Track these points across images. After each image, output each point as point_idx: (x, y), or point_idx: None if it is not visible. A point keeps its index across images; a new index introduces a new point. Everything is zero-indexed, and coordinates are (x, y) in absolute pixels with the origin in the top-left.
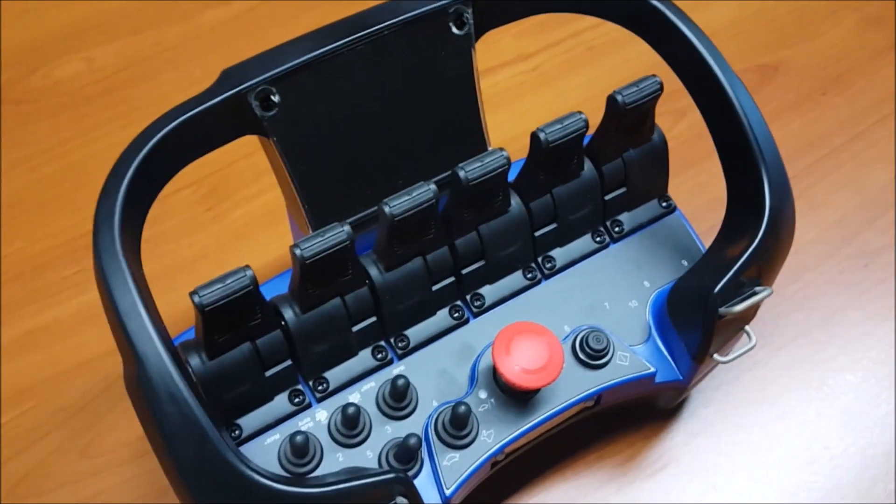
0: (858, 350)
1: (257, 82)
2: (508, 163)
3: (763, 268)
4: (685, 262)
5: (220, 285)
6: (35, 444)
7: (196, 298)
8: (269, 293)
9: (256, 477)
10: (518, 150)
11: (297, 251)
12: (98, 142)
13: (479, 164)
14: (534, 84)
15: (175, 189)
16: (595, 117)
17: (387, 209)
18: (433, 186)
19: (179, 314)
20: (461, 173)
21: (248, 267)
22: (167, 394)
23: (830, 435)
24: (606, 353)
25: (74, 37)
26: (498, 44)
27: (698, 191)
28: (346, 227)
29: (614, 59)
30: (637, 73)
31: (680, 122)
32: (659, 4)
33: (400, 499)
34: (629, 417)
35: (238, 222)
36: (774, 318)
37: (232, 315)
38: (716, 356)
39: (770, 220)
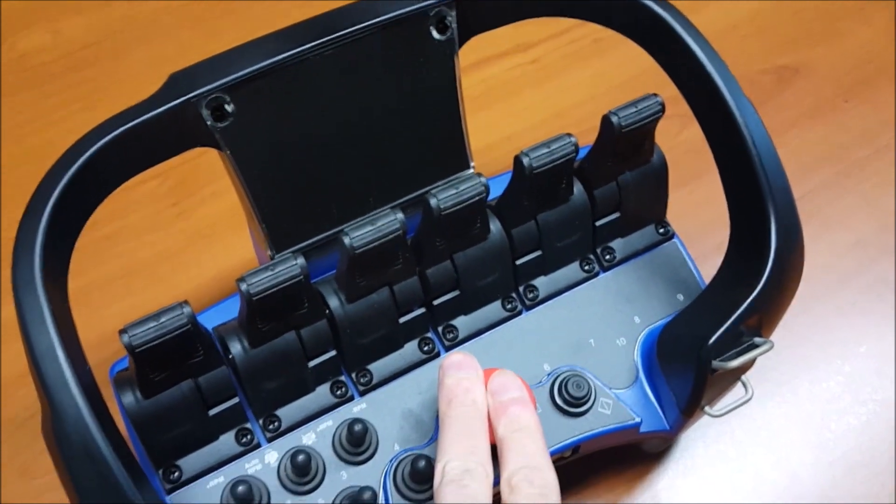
0: (864, 391)
1: (209, 90)
2: (487, 191)
3: (764, 318)
4: (681, 297)
5: (153, 324)
6: None
7: (125, 339)
8: (226, 313)
9: None
10: (511, 151)
11: (244, 286)
12: (59, 126)
13: (454, 191)
14: (533, 78)
15: (140, 181)
16: (598, 118)
17: (346, 241)
18: (399, 216)
19: None
20: (433, 202)
21: (185, 304)
22: (83, 449)
23: (828, 486)
24: (587, 401)
25: (44, 6)
26: (495, 32)
27: (704, 204)
28: (300, 261)
29: (623, 53)
30: (647, 69)
31: (687, 128)
32: (659, 9)
33: None
34: (611, 458)
35: (205, 220)
36: (776, 352)
37: (169, 353)
38: (706, 409)
39: (774, 267)
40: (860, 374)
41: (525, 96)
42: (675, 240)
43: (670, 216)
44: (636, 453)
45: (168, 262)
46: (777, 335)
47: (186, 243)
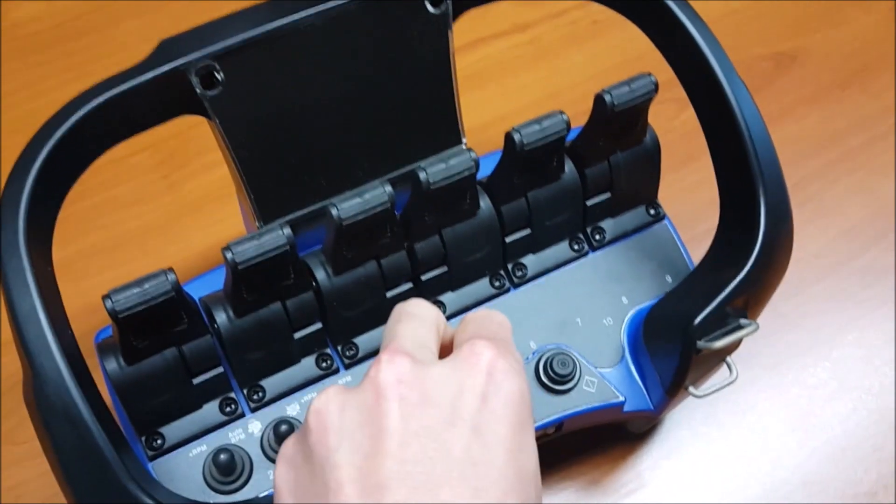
0: (852, 378)
1: (199, 57)
2: (476, 166)
3: (751, 299)
4: (669, 279)
5: (136, 290)
6: None
7: (108, 304)
8: (213, 283)
9: None
10: (505, 130)
11: (229, 255)
12: (47, 95)
13: (444, 166)
14: (530, 58)
15: (130, 152)
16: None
17: (334, 212)
18: (388, 189)
19: None
20: (422, 175)
21: (170, 270)
22: (64, 413)
23: (812, 471)
24: (572, 379)
25: None
26: (492, 10)
27: (698, 188)
28: (286, 231)
29: (620, 35)
30: (646, 52)
31: (684, 112)
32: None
33: None
34: (596, 437)
35: (194, 193)
36: (765, 335)
37: (152, 320)
38: (690, 389)
39: (763, 248)
40: (848, 361)
41: (521, 76)
42: (665, 221)
43: (664, 199)
44: (621, 433)
45: (156, 233)
46: (765, 319)
47: (175, 215)
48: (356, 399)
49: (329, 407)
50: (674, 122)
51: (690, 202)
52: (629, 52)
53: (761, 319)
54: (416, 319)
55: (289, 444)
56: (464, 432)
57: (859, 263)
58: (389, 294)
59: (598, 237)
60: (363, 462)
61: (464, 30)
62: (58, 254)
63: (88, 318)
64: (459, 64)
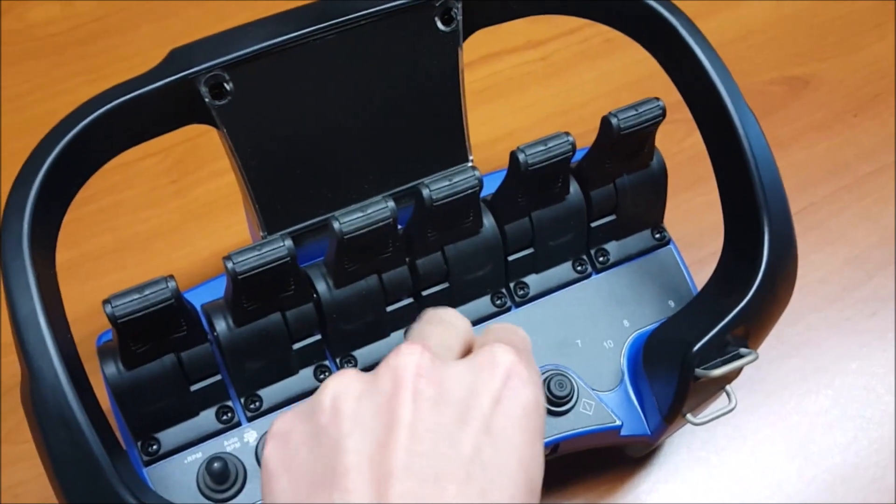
0: (853, 407)
1: (209, 67)
2: (480, 184)
3: (752, 328)
4: (672, 303)
5: (136, 297)
6: None
7: (108, 309)
8: (217, 290)
9: None
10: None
11: (230, 264)
12: (62, 97)
13: (447, 183)
14: (542, 75)
15: (139, 157)
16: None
17: (336, 225)
18: (390, 204)
19: None
20: (425, 192)
21: (170, 278)
22: (59, 417)
23: (810, 499)
24: (569, 400)
25: None
26: (506, 27)
27: (705, 210)
28: (287, 243)
29: (632, 54)
30: (657, 71)
31: (694, 133)
32: (663, 11)
33: None
34: (594, 460)
35: (202, 199)
36: (767, 361)
37: (152, 326)
38: (688, 416)
39: (764, 278)
40: (850, 389)
41: (531, 93)
42: (670, 246)
43: (670, 221)
44: (619, 456)
45: (163, 238)
46: (767, 345)
47: (182, 221)
48: (374, 387)
49: (347, 391)
50: (683, 143)
51: (697, 224)
52: (641, 71)
53: (763, 345)
54: (446, 325)
55: (286, 420)
56: (476, 432)
57: (864, 292)
58: (390, 309)
59: (601, 259)
60: (374, 450)
61: (476, 44)
62: (65, 255)
63: (93, 320)
64: (470, 78)
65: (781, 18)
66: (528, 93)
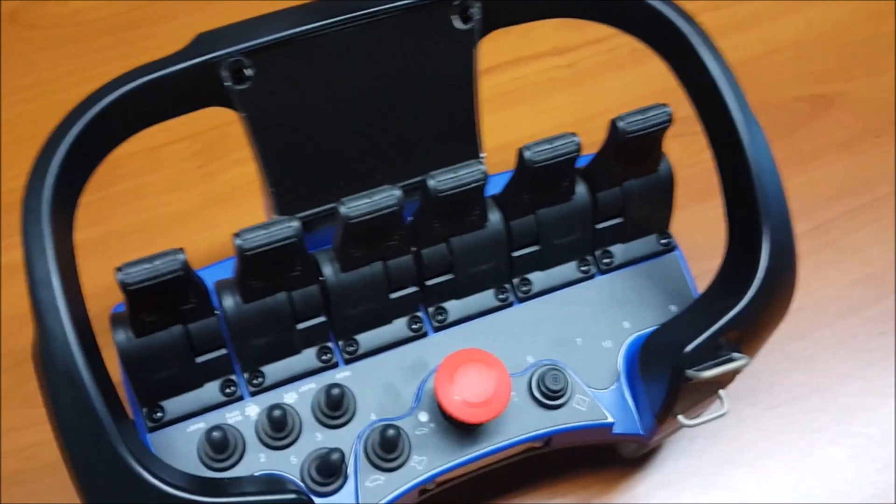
0: (854, 423)
1: (231, 52)
2: (485, 178)
3: (746, 334)
4: (673, 308)
5: (147, 265)
6: None
7: (119, 276)
8: (229, 271)
9: (147, 477)
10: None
11: (238, 241)
12: (99, 80)
13: (452, 175)
14: (566, 81)
15: (168, 141)
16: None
17: (342, 209)
18: (397, 192)
19: None
20: (430, 182)
21: (180, 250)
22: (66, 376)
23: None
24: (563, 395)
25: None
26: (533, 32)
27: (716, 223)
28: (295, 223)
29: (659, 66)
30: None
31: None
32: (679, 21)
33: None
34: (589, 458)
35: (227, 185)
36: (770, 375)
37: (161, 296)
38: (680, 418)
39: (761, 285)
40: (853, 407)
41: (555, 98)
42: (675, 252)
43: (682, 230)
44: (615, 458)
45: (186, 220)
46: (772, 359)
47: (206, 205)
48: None
49: None
50: (700, 155)
51: (707, 237)
52: (665, 84)
53: (768, 358)
54: None
55: None
56: None
57: (873, 311)
58: (393, 296)
59: (606, 261)
60: None
61: (503, 48)
62: (92, 232)
63: (114, 296)
64: (495, 81)
65: (810, 37)
66: (551, 98)
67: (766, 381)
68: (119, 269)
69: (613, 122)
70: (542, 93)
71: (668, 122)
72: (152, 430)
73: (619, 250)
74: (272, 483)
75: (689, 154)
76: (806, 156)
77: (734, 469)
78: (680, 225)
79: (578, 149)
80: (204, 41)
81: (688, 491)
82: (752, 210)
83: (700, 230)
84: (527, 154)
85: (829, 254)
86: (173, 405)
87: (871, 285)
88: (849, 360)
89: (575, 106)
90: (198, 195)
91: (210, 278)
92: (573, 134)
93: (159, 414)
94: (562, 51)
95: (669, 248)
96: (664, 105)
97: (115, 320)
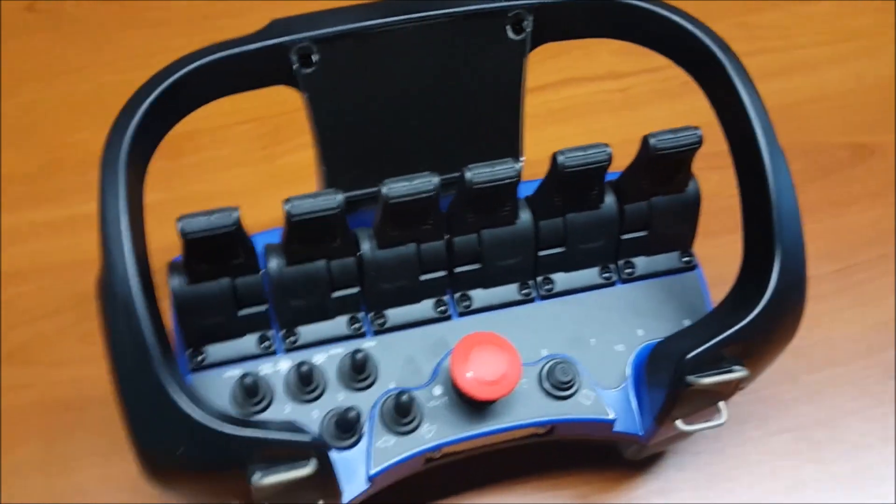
0: (860, 461)
1: (301, 38)
2: (518, 176)
3: (748, 350)
4: (687, 323)
5: (204, 219)
6: (41, 319)
7: (179, 224)
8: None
9: (181, 402)
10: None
11: (287, 206)
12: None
13: (488, 169)
14: (616, 105)
15: (237, 121)
16: None
17: (384, 189)
18: (436, 179)
19: None
20: (467, 174)
21: (236, 208)
22: (124, 306)
23: None
24: (570, 388)
25: None
26: (593, 56)
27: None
28: (340, 196)
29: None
30: None
31: None
32: (714, 46)
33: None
34: (593, 457)
35: (287, 167)
36: (781, 402)
37: (214, 249)
38: (678, 423)
39: (767, 304)
40: (858, 446)
41: (603, 119)
42: (696, 271)
43: (711, 256)
44: (618, 458)
45: (245, 195)
46: (785, 388)
47: (266, 184)
48: None
49: None
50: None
51: (733, 266)
52: (711, 116)
53: (780, 386)
54: None
55: None
56: None
57: (888, 355)
58: (423, 278)
59: (628, 271)
60: None
61: (560, 67)
62: (161, 195)
63: (176, 252)
64: (549, 97)
65: (859, 87)
66: (600, 119)
67: (774, 407)
68: (179, 219)
69: (645, 139)
70: (591, 113)
71: (698, 143)
72: (193, 370)
73: (641, 262)
74: (294, 427)
75: (726, 186)
76: (840, 199)
77: (733, 488)
78: (708, 252)
79: (609, 158)
80: (278, 26)
81: (683, 501)
82: (767, 232)
83: (727, 259)
84: (560, 158)
85: (851, 296)
86: (214, 351)
87: (888, 331)
88: (858, 398)
89: (621, 128)
90: (259, 174)
91: (260, 242)
92: (605, 144)
93: (201, 357)
94: (617, 76)
95: (691, 266)
96: (695, 127)
97: (173, 268)
